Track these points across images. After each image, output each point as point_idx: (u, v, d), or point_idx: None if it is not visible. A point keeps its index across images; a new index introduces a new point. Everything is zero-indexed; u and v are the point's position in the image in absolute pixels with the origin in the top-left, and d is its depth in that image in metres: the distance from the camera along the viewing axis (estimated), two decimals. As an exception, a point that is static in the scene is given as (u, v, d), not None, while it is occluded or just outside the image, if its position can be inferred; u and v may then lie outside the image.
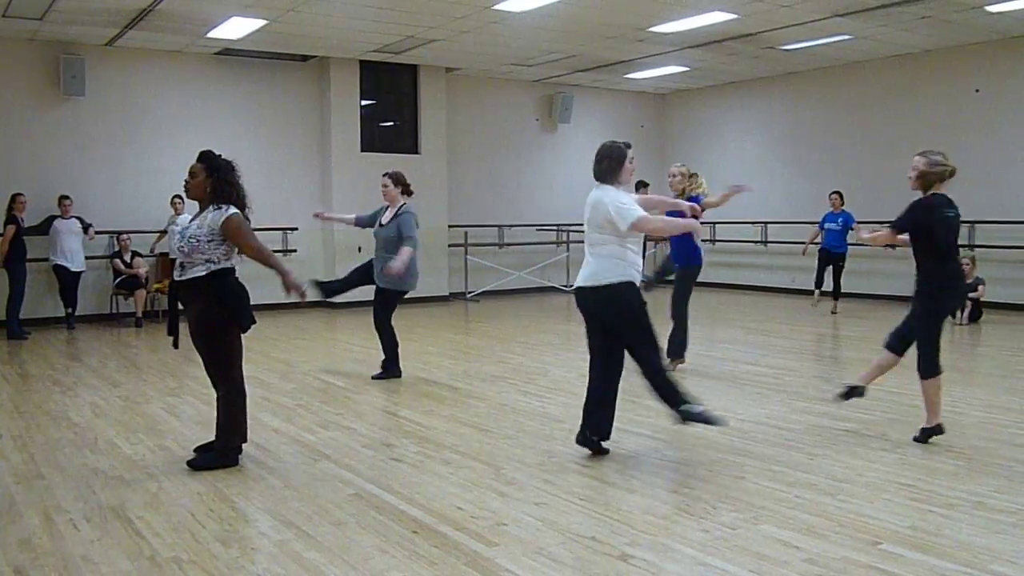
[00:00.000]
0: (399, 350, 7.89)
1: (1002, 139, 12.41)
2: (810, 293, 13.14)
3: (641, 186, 13.56)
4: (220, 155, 5.12)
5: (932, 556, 3.70)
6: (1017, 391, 7.15)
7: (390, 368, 7.86)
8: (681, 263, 7.94)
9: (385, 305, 7.83)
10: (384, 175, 7.75)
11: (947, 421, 5.88)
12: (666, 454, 5.35)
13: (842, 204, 12.39)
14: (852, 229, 11.93)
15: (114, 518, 4.29)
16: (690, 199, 7.53)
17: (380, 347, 7.86)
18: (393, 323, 7.85)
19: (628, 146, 5.31)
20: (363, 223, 7.96)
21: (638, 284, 5.18)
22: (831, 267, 12.41)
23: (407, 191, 7.74)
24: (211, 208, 5.01)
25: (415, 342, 8.45)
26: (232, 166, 5.10)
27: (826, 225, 12.46)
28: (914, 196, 5.44)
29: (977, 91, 12.70)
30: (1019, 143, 12.25)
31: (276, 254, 5.16)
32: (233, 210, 4.98)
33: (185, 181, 5.15)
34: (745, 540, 3.90)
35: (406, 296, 7.94)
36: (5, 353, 9.62)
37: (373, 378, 7.77)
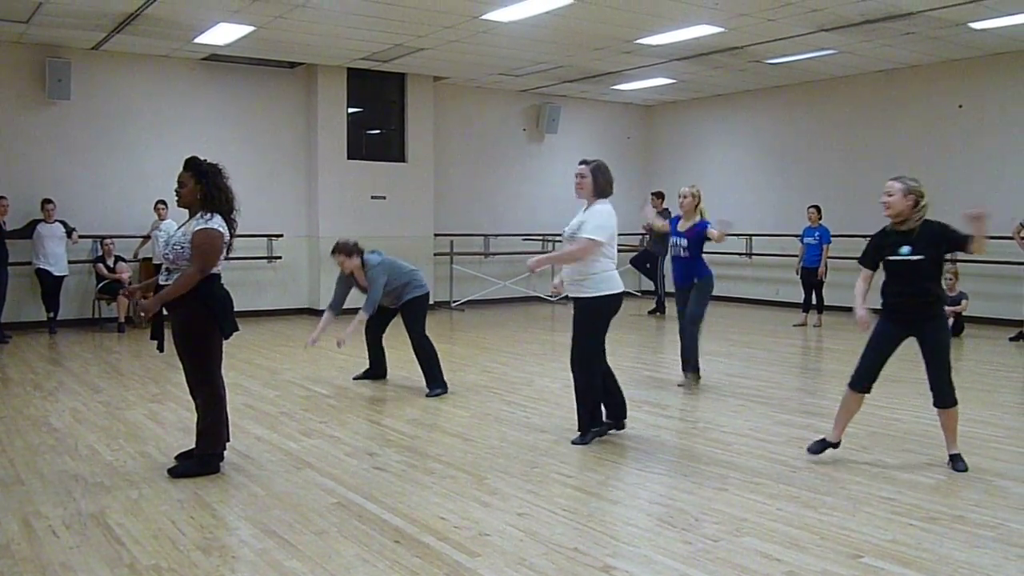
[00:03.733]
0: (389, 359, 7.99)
1: (985, 154, 12.52)
2: (795, 306, 13.22)
3: (656, 197, 13.93)
4: (205, 160, 5.11)
5: (913, 570, 3.72)
6: (998, 406, 7.20)
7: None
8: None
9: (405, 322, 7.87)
10: None
11: (928, 435, 5.94)
12: (649, 465, 5.36)
13: (819, 218, 12.48)
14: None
15: (94, 525, 4.26)
16: (698, 224, 7.66)
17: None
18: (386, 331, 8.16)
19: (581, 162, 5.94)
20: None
21: None
22: (811, 282, 12.49)
23: None
24: (198, 216, 5.00)
25: (399, 350, 8.43)
26: (219, 170, 5.09)
27: (805, 240, 12.57)
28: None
29: (960, 107, 12.81)
30: (1001, 158, 12.36)
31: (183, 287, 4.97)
32: (212, 225, 4.95)
33: (175, 190, 5.13)
34: (727, 552, 3.91)
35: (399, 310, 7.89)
36: (-15, 357, 9.54)
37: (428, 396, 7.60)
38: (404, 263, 7.89)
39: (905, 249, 5.15)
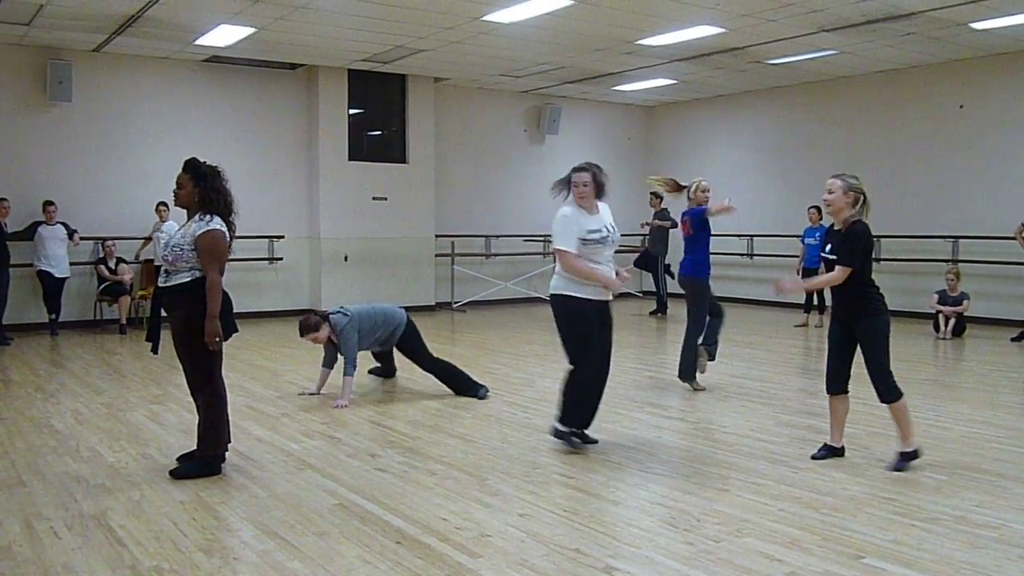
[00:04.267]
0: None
1: (986, 155, 12.51)
2: (796, 307, 13.21)
3: (655, 196, 13.93)
4: (205, 162, 5.11)
5: (914, 570, 3.72)
6: (1000, 406, 7.20)
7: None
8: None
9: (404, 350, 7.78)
10: None
11: (930, 435, 5.93)
12: (650, 466, 5.36)
13: (820, 218, 12.48)
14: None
15: (96, 526, 4.26)
16: (695, 209, 7.62)
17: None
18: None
19: (576, 169, 5.66)
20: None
21: (591, 297, 5.54)
22: None
23: None
24: (196, 218, 5.00)
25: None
26: (218, 172, 5.10)
27: (806, 240, 12.59)
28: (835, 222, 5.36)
29: (961, 107, 12.80)
30: (1002, 159, 12.36)
31: (223, 293, 4.97)
32: (213, 226, 4.95)
33: (174, 191, 5.14)
34: (729, 553, 3.90)
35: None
36: (-13, 359, 9.55)
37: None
38: (373, 308, 7.59)
39: (828, 247, 5.27)
